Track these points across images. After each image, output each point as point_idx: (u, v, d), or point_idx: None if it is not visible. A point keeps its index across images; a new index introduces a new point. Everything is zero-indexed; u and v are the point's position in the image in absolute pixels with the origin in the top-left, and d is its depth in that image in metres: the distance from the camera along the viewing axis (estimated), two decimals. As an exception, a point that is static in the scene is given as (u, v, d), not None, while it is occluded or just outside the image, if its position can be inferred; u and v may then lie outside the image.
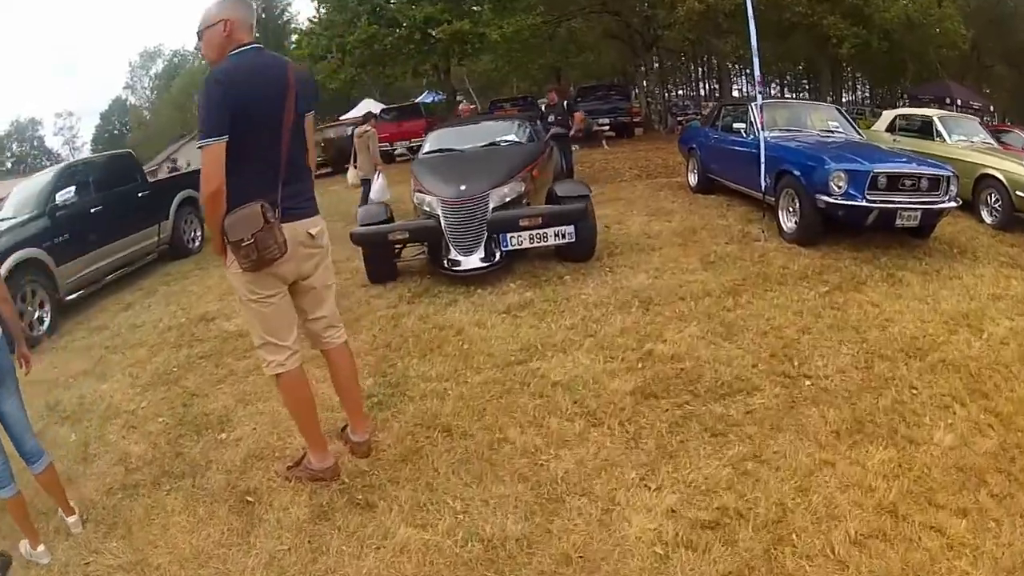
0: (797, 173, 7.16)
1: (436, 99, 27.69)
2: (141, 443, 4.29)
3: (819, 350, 4.62)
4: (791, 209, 7.41)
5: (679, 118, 24.07)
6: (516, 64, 25.25)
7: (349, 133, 22.34)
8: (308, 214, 3.35)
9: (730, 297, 5.62)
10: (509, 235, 6.33)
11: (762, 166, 7.57)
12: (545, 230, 6.28)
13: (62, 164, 9.95)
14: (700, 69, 49.88)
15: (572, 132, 12.65)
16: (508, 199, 6.65)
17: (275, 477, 3.65)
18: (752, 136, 8.63)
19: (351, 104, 32.66)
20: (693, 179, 11.16)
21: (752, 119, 8.78)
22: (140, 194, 9.94)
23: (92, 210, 8.66)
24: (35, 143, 59.81)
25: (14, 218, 8.18)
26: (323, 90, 32.19)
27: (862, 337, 4.81)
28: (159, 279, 9.24)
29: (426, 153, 8.70)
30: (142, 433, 4.44)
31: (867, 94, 45.17)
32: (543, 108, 13.33)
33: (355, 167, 11.09)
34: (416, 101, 24.91)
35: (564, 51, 25.90)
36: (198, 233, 11.18)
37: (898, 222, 6.61)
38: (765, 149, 7.59)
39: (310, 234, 3.31)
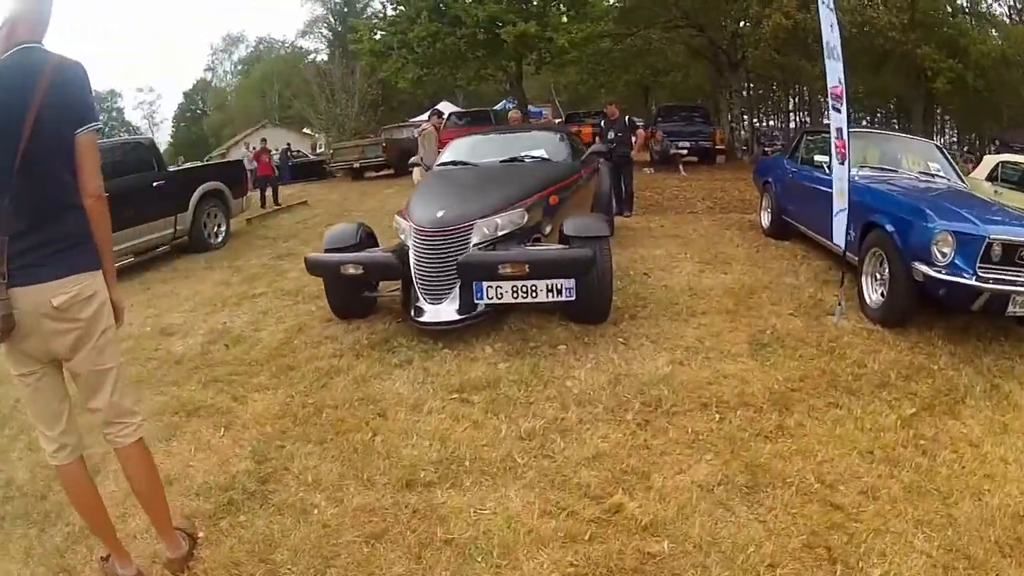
0: (890, 228, 5.20)
1: (509, 107, 26.46)
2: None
3: (882, 539, 2.68)
4: (878, 276, 5.44)
5: (766, 148, 22.14)
6: (602, 78, 23.72)
7: (416, 135, 21.67)
8: (53, 275, 2.29)
9: (775, 411, 3.76)
10: (485, 284, 4.71)
11: (842, 213, 5.57)
12: (534, 283, 4.63)
13: None
14: (792, 100, 46.58)
15: (634, 151, 11.06)
16: (502, 232, 5.08)
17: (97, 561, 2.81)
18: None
19: (430, 106, 31.82)
20: (766, 219, 9.22)
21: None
22: (154, 184, 9.32)
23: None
24: (114, 114, 60.84)
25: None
26: (393, 91, 32.32)
27: (948, 515, 2.86)
28: (161, 274, 8.81)
29: (439, 164, 7.29)
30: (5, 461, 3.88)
31: (954, 138, 41.57)
32: (601, 123, 11.73)
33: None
34: (489, 108, 23.74)
35: (652, 69, 24.39)
36: (222, 228, 10.53)
37: (1011, 309, 4.61)
38: (850, 191, 5.63)
39: (54, 305, 2.28)
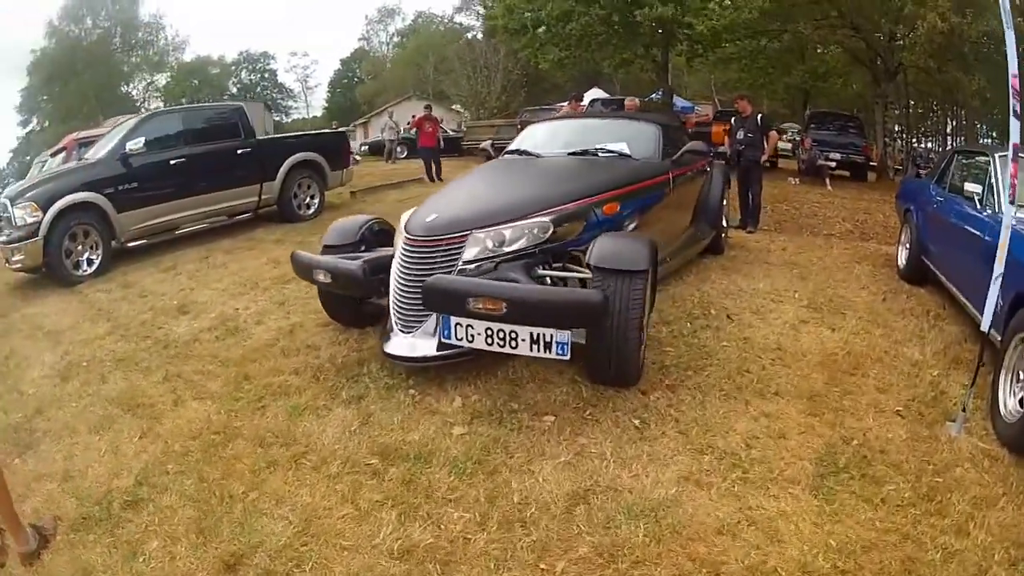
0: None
1: (656, 98, 24.79)
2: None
3: None
4: (1022, 375, 3.47)
5: (921, 170, 19.50)
6: (761, 79, 21.52)
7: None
8: None
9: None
10: (454, 320, 3.44)
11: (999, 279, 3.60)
12: (514, 328, 3.31)
13: (150, 111, 9.18)
14: (951, 121, 40.59)
15: (765, 157, 9.39)
16: (512, 248, 3.84)
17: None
18: (990, 210, 4.77)
19: (578, 91, 30.63)
20: (902, 256, 7.13)
21: (995, 180, 4.87)
22: (240, 151, 9.07)
23: (172, 161, 8.29)
24: (267, 75, 62.10)
25: (87, 161, 8.37)
26: (542, 73, 31.09)
27: None
28: (231, 243, 8.54)
29: (508, 152, 6.11)
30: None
31: None
32: (732, 121, 10.16)
33: None
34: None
35: (813, 73, 22.08)
36: (315, 200, 10.13)
37: None
38: (1009, 241, 3.65)
39: None
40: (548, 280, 3.86)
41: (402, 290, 3.87)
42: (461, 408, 3.61)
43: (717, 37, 16.83)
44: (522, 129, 17.51)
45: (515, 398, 3.73)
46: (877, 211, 12.00)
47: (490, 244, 3.83)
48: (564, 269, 4.02)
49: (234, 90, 55.29)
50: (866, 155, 16.93)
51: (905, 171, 18.78)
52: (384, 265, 4.06)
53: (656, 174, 5.42)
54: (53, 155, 12.83)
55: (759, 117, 9.25)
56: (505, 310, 3.21)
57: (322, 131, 14.01)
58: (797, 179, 15.43)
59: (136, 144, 7.86)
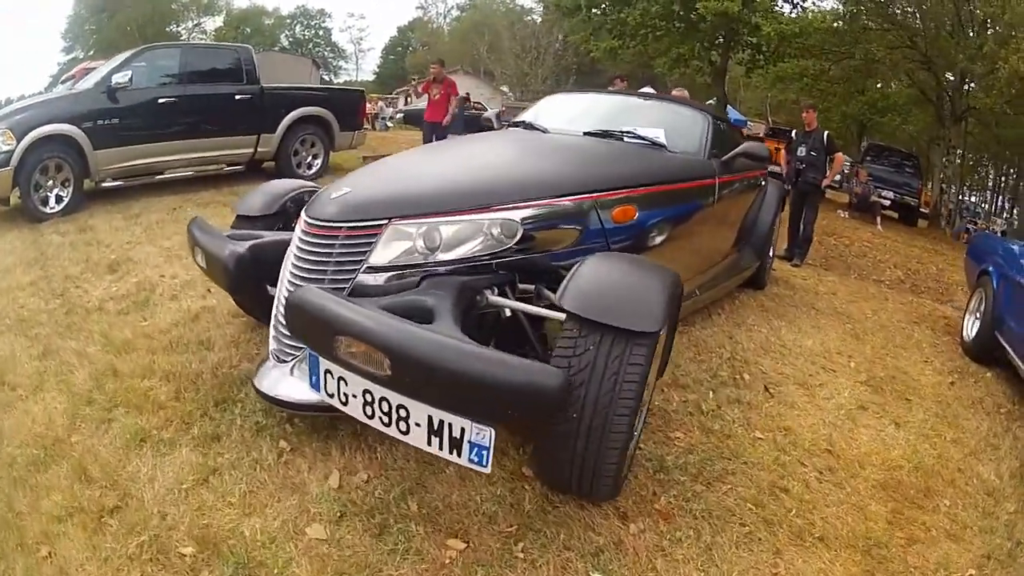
0: None
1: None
2: None
3: None
4: None
5: (967, 224, 18.11)
6: (820, 103, 20.03)
7: None
8: None
9: None
10: (323, 363, 2.18)
11: None
12: (403, 402, 2.01)
13: (146, 46, 8.19)
14: (1002, 178, 37.77)
15: (827, 182, 7.88)
16: (455, 255, 2.58)
17: None
18: None
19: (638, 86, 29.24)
20: (969, 326, 5.87)
21: None
22: (239, 97, 8.12)
23: (161, 100, 7.44)
24: (321, 32, 59.71)
25: (69, 92, 7.69)
26: (594, 62, 29.46)
27: None
28: (210, 195, 7.63)
29: (512, 124, 4.73)
30: None
31: None
32: (793, 134, 8.83)
33: None
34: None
35: (872, 106, 20.64)
36: (317, 160, 9.11)
37: None
38: None
39: None
40: (502, 315, 2.58)
41: (285, 298, 2.63)
42: (335, 491, 2.43)
43: (784, 43, 15.35)
44: None
45: (420, 489, 2.48)
46: (930, 262, 10.88)
47: (419, 244, 2.54)
48: (536, 297, 2.69)
49: (286, 43, 54.31)
50: (919, 199, 15.55)
51: (951, 223, 17.41)
52: (281, 255, 2.90)
53: (697, 176, 4.02)
54: (62, 82, 12.16)
55: (825, 135, 7.91)
56: (389, 369, 1.94)
57: (338, 87, 12.71)
58: (847, 212, 14.19)
59: (123, 77, 7.05)
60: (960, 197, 27.40)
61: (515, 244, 2.65)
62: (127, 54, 7.74)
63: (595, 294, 2.18)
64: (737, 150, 4.48)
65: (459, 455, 1.96)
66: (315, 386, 2.24)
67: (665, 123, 4.30)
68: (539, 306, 2.56)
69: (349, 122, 9.47)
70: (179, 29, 47.73)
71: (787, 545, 2.49)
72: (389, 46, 62.40)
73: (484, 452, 1.93)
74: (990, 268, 5.82)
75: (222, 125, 8.00)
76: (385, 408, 2.04)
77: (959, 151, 20.28)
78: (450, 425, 1.95)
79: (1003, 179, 37.24)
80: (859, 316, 6.16)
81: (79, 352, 3.50)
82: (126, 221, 6.39)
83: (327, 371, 2.16)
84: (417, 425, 1.99)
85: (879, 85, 18.65)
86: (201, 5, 48.90)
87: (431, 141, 9.16)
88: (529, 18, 42.45)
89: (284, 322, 2.55)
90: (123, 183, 7.35)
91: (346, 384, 2.11)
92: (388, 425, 2.06)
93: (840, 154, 8.24)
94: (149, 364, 3.31)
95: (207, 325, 3.83)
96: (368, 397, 2.07)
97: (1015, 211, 34.03)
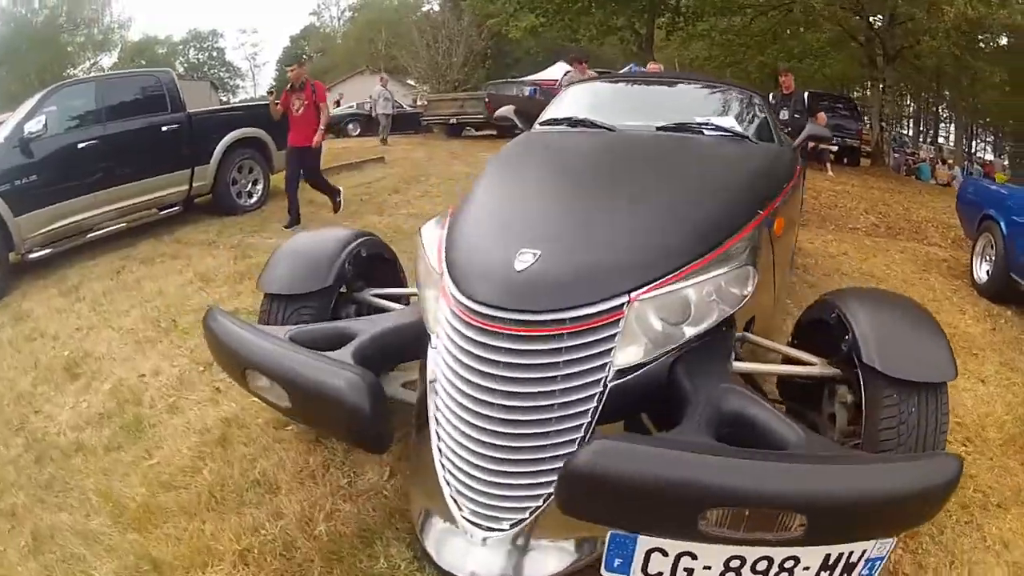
0: None
1: (634, 71, 22.93)
2: None
3: None
4: None
5: (896, 154, 18.43)
6: (731, 58, 19.63)
7: (526, 94, 18.65)
8: None
9: None
10: (643, 543, 1.58)
11: None
12: (794, 554, 1.55)
13: (55, 85, 6.94)
14: (912, 106, 38.32)
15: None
16: (697, 331, 1.96)
17: None
18: None
19: (546, 65, 28.63)
20: (981, 270, 6.13)
21: None
22: (166, 128, 7.00)
23: (81, 145, 6.32)
24: (215, 53, 56.30)
25: None
26: (507, 46, 28.77)
27: None
28: (152, 247, 6.51)
29: (544, 123, 3.78)
30: None
31: None
32: (770, 98, 8.35)
33: None
34: (613, 72, 20.30)
35: (788, 53, 20.56)
36: (258, 186, 8.00)
37: None
38: None
39: None
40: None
41: (467, 436, 1.84)
42: None
43: (705, 3, 15.01)
44: (489, 103, 15.82)
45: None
46: (893, 202, 10.86)
47: (660, 327, 1.91)
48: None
49: (181, 70, 51.16)
50: (860, 139, 15.61)
51: (885, 156, 17.58)
52: (400, 345, 2.26)
53: (790, 167, 3.42)
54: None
55: (805, 95, 7.58)
56: (802, 527, 1.45)
57: (264, 101, 11.45)
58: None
59: (36, 125, 5.96)
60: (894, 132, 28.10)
61: (746, 295, 2.07)
62: (35, 98, 6.51)
63: (896, 349, 2.00)
64: (805, 134, 3.91)
65: None
66: (619, 569, 1.64)
67: (729, 109, 3.79)
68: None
69: (284, 140, 8.42)
70: (76, 71, 44.55)
71: (983, 518, 2.56)
72: (283, 58, 59.59)
73: (878, 562, 1.62)
74: (993, 213, 6.02)
75: (152, 163, 6.91)
76: (762, 568, 1.61)
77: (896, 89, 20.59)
78: (849, 554, 1.59)
79: (912, 106, 38.56)
80: (880, 274, 6.23)
81: (83, 533, 2.45)
82: (66, 298, 5.34)
83: (653, 551, 1.60)
84: (806, 569, 1.61)
85: (801, 30, 18.50)
86: (96, 42, 45.69)
87: (296, 178, 6.95)
88: (427, 7, 41.26)
89: (470, 465, 1.83)
90: (52, 249, 6.17)
91: (693, 559, 1.60)
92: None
93: (822, 113, 7.95)
94: (199, 540, 2.30)
95: (245, 450, 2.87)
96: (735, 563, 1.60)
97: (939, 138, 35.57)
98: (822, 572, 1.61)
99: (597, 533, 1.69)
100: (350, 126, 20.53)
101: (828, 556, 1.58)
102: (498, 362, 1.80)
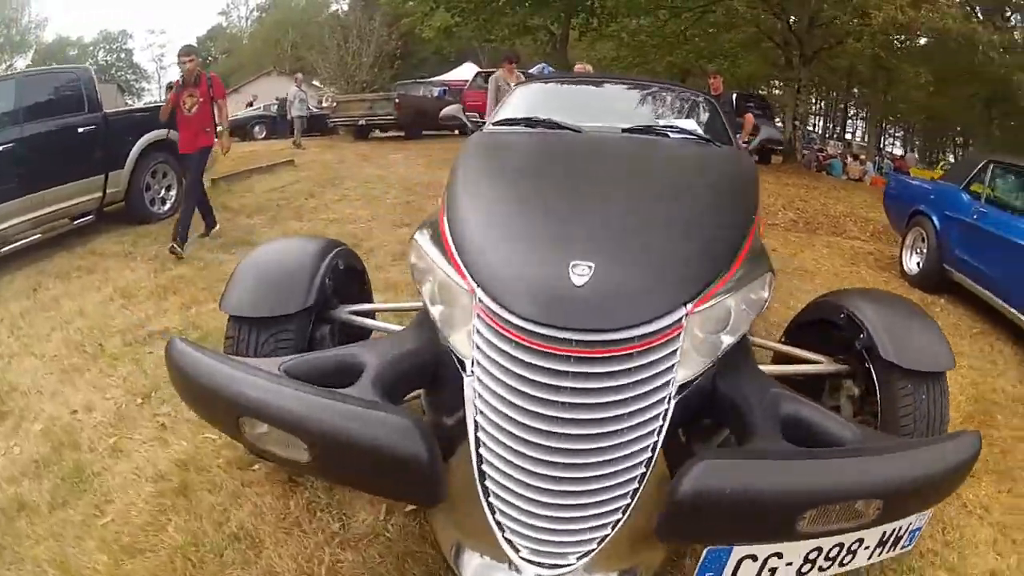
0: None
1: (546, 72, 22.99)
2: None
3: None
4: None
5: (806, 151, 19.12)
6: (642, 58, 19.63)
7: (435, 94, 18.32)
8: None
9: None
10: (738, 553, 1.60)
11: None
12: (861, 536, 1.65)
13: None
14: (820, 102, 40.11)
15: (741, 142, 7.55)
16: (733, 340, 1.91)
17: None
18: None
19: (455, 66, 28.28)
20: (912, 261, 6.52)
21: None
22: (82, 130, 6.28)
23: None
24: (123, 55, 53.28)
25: None
26: (416, 45, 28.32)
27: None
28: (68, 260, 5.79)
29: (500, 123, 3.55)
30: None
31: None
32: None
33: None
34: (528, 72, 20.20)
35: (697, 52, 21.01)
36: (171, 192, 7.33)
37: None
38: None
39: None
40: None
41: (527, 471, 1.63)
42: None
43: (634, 9, 15.07)
44: (399, 105, 15.44)
45: None
46: (809, 197, 11.28)
47: (706, 338, 1.86)
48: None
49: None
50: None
51: (797, 153, 18.25)
52: (418, 374, 2.01)
53: (754, 173, 3.35)
54: None
55: (733, 97, 7.62)
56: (879, 511, 1.57)
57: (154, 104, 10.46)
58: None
59: None
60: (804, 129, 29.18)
61: (769, 296, 2.11)
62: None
63: (906, 344, 2.18)
64: (761, 137, 3.95)
65: (895, 548, 1.80)
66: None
67: (690, 111, 3.77)
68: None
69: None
70: (-9, 74, 40.92)
71: (960, 488, 2.62)
72: (180, 51, 56.58)
73: (918, 532, 1.82)
74: (924, 208, 6.35)
75: (67, 168, 6.16)
76: (834, 553, 1.70)
77: (809, 90, 21.31)
78: (898, 528, 1.75)
79: (821, 103, 40.49)
80: (812, 268, 6.51)
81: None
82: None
83: (744, 558, 1.63)
84: (867, 548, 1.74)
85: (717, 31, 18.85)
86: (14, 43, 42.33)
87: (195, 193, 6.05)
88: (336, 7, 40.10)
89: (528, 491, 1.63)
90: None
91: (779, 558, 1.66)
92: (829, 568, 1.73)
93: (749, 114, 8.04)
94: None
95: (211, 498, 2.45)
96: (814, 555, 1.68)
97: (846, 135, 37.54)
98: (878, 548, 1.74)
99: (637, 563, 1.71)
100: (256, 129, 19.43)
101: (884, 533, 1.71)
102: (564, 388, 1.63)
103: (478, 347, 1.75)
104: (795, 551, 1.65)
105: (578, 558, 1.60)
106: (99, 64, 50.35)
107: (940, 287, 5.98)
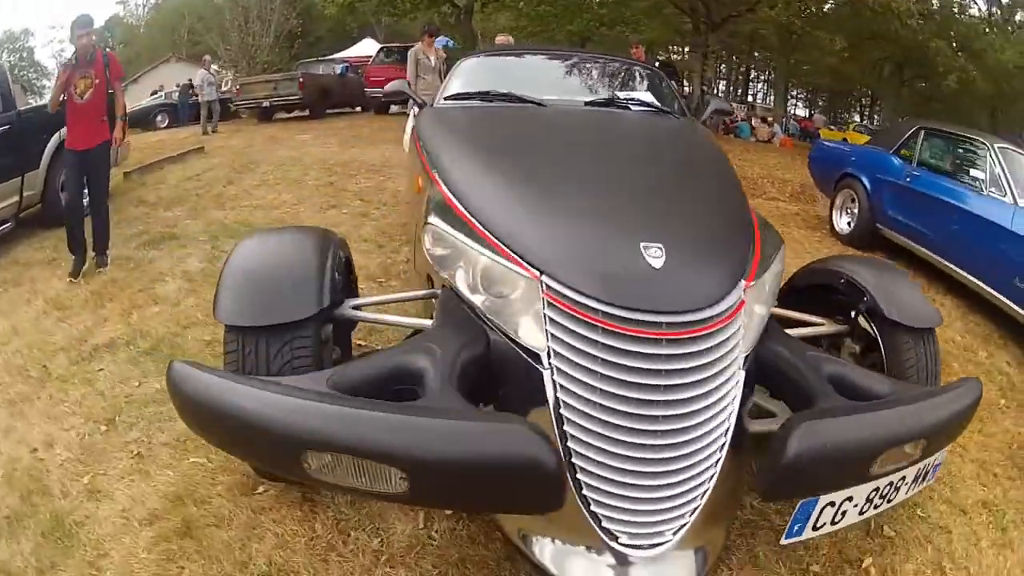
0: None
1: (450, 46, 22.46)
2: None
3: None
4: None
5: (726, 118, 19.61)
6: (541, 27, 19.70)
7: (338, 72, 17.72)
8: None
9: None
10: (823, 501, 1.73)
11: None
12: (904, 474, 1.85)
13: None
14: (722, 66, 43.04)
15: None
16: (764, 309, 2.02)
17: None
18: (995, 196, 4.89)
19: (354, 42, 27.46)
20: (843, 221, 6.81)
21: (1000, 174, 4.95)
22: None
23: None
24: (24, 54, 47.86)
25: None
26: (315, 22, 27.39)
27: None
28: None
29: (453, 98, 3.48)
30: None
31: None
32: None
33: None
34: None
35: (599, 20, 21.02)
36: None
37: None
38: None
39: None
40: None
41: (626, 457, 1.62)
42: None
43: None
44: (303, 84, 14.87)
45: None
46: None
47: (756, 310, 1.96)
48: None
49: (-7, 75, 43.81)
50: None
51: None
52: (486, 373, 1.83)
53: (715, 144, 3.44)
54: None
55: (656, 66, 7.62)
56: (921, 450, 1.78)
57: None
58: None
59: None
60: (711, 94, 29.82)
61: (783, 265, 2.36)
62: None
63: (904, 303, 2.36)
64: (711, 108, 4.13)
65: (923, 482, 1.97)
66: (797, 534, 1.78)
67: (644, 83, 3.88)
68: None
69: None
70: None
71: None
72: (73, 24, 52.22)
73: (939, 467, 1.99)
74: (854, 172, 6.66)
75: None
76: (886, 491, 1.86)
77: (718, 56, 21.70)
78: (926, 464, 1.90)
79: (733, 69, 41.66)
80: None
81: None
82: None
83: (827, 505, 1.76)
84: (907, 483, 1.90)
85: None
86: None
87: (80, 198, 4.94)
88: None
89: (635, 473, 1.63)
90: None
91: (849, 501, 1.79)
92: (880, 506, 1.89)
93: (674, 84, 8.13)
94: None
95: (224, 535, 2.15)
96: (872, 495, 1.83)
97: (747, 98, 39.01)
98: (913, 482, 1.91)
99: (706, 542, 1.73)
100: (158, 118, 18.16)
101: (919, 469, 1.87)
102: (658, 371, 1.64)
103: (554, 336, 1.69)
104: (861, 493, 1.79)
105: (673, 533, 1.63)
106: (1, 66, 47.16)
107: (872, 245, 6.24)
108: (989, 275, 4.76)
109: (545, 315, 1.71)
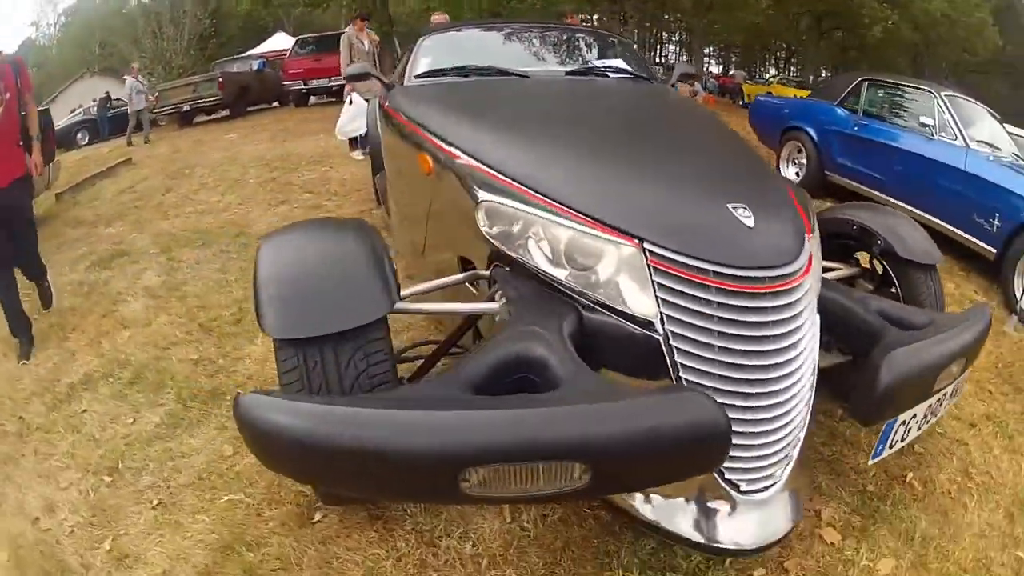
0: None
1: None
2: None
3: None
4: None
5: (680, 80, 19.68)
6: (453, 6, 19.44)
7: (255, 68, 17.05)
8: None
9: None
10: (900, 419, 1.92)
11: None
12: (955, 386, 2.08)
13: None
14: (634, 29, 43.47)
15: None
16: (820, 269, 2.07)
17: None
18: (946, 140, 5.13)
19: (266, 38, 26.35)
20: (791, 172, 6.90)
21: (949, 120, 5.18)
22: None
23: None
24: None
25: None
26: (225, 22, 26.28)
27: None
28: None
29: (425, 75, 3.28)
30: None
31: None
32: None
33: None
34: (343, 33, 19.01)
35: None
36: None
37: None
38: (994, 178, 4.62)
39: None
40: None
41: (746, 408, 1.65)
42: None
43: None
44: (222, 84, 14.25)
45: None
46: None
47: (817, 257, 2.08)
48: None
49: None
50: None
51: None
52: (582, 339, 1.72)
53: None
54: None
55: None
56: (962, 369, 2.01)
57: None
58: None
59: None
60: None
61: None
62: None
63: (912, 243, 2.49)
64: (679, 71, 4.09)
65: (955, 398, 2.16)
66: (879, 452, 1.98)
67: (616, 52, 3.87)
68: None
69: (43, 153, 6.52)
70: None
71: None
72: (1, 76, 48.21)
73: (964, 383, 2.26)
74: (799, 124, 6.81)
75: None
76: (935, 407, 2.05)
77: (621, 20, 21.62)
78: (959, 382, 2.07)
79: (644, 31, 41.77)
80: None
81: None
82: None
83: (901, 423, 1.95)
84: (947, 399, 2.09)
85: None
86: None
87: (33, 234, 3.96)
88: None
89: (761, 425, 1.69)
90: None
91: (914, 419, 1.99)
92: (930, 419, 2.09)
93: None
94: None
95: (303, 574, 1.89)
96: (927, 413, 2.04)
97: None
98: (950, 399, 2.09)
99: (797, 484, 1.77)
100: (79, 135, 17.00)
101: (954, 386, 2.04)
102: (770, 322, 1.68)
103: (666, 302, 1.67)
104: (920, 410, 1.97)
105: (780, 473, 1.71)
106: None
107: (822, 191, 6.38)
108: (946, 213, 4.93)
109: (654, 282, 1.67)
